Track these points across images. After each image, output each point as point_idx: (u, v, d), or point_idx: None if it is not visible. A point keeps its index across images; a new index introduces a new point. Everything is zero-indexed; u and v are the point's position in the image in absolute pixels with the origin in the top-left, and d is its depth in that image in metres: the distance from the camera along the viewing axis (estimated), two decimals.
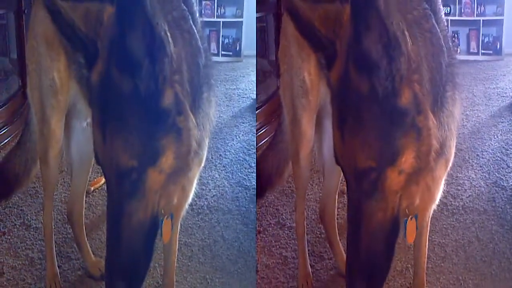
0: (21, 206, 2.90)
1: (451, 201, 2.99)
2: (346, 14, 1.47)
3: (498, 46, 6.07)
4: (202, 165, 1.80)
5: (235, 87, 4.95)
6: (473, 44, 6.14)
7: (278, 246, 2.70)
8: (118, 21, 1.42)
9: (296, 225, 2.45)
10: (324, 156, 2.38)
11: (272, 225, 2.86)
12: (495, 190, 3.13)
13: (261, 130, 3.63)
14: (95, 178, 3.08)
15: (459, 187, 3.15)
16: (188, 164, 1.62)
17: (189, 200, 1.85)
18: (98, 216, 2.88)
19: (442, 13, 1.74)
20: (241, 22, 6.06)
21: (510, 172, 3.33)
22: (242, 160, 3.50)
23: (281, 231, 2.82)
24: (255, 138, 3.68)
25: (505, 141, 3.79)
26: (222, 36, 6.09)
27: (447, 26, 1.84)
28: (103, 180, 2.90)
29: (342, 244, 2.46)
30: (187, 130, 1.55)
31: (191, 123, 1.56)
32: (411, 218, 1.68)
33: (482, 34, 6.11)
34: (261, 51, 4.23)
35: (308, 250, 2.49)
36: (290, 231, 2.77)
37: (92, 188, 3.04)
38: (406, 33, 1.43)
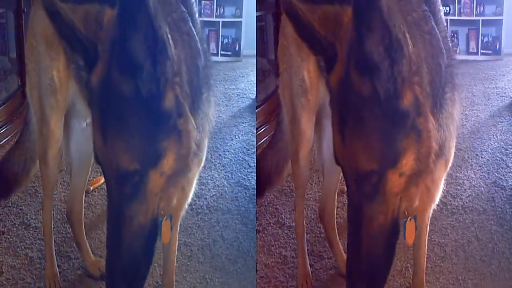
0: (21, 206, 2.90)
1: (450, 201, 2.99)
2: (346, 16, 1.47)
3: (497, 46, 6.06)
4: (202, 165, 1.79)
5: (234, 87, 4.95)
6: (472, 44, 6.14)
7: (277, 246, 2.70)
8: (120, 23, 1.41)
9: (296, 224, 2.45)
10: (324, 155, 2.38)
11: (272, 225, 2.86)
12: (495, 190, 3.13)
13: (260, 129, 3.62)
14: (94, 177, 3.08)
15: (458, 187, 3.14)
16: (187, 165, 1.61)
17: (189, 200, 1.84)
18: (98, 216, 2.88)
19: (442, 14, 1.74)
20: (241, 22, 6.05)
21: (509, 172, 3.33)
22: (242, 160, 3.49)
23: (281, 230, 2.81)
24: (254, 138, 3.67)
25: (505, 141, 3.79)
26: (221, 36, 6.08)
27: (446, 26, 1.84)
28: (103, 179, 2.88)
29: (342, 243, 2.46)
30: (187, 132, 1.55)
31: (191, 125, 1.56)
32: (410, 219, 1.68)
33: (482, 34, 6.10)
34: (260, 50, 4.22)
35: (308, 250, 2.49)
36: (289, 231, 2.77)
37: (91, 188, 3.04)
38: (407, 35, 1.43)
